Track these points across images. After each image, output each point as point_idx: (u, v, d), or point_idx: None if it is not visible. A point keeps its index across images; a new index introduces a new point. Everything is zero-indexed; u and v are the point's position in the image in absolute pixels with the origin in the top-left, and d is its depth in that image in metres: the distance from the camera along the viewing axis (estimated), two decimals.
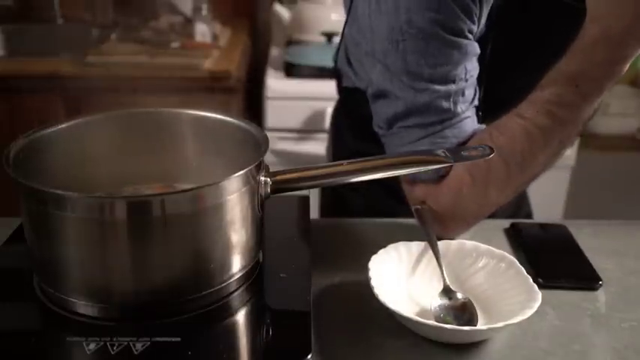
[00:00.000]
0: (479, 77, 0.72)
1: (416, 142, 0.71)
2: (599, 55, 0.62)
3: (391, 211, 0.80)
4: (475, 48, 0.69)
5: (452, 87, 0.68)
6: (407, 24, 0.66)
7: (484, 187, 0.68)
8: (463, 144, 0.70)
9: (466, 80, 0.69)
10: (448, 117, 0.69)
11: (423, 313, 0.61)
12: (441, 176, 0.70)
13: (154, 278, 0.53)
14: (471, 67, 0.70)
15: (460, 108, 0.69)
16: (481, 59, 0.72)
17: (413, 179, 0.73)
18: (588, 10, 0.62)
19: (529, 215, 1.05)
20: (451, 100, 0.68)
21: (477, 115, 0.73)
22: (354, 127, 0.94)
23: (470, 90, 0.70)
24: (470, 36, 0.68)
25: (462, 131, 0.70)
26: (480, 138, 0.69)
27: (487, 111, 0.73)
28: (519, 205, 1.02)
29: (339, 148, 1.01)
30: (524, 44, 0.77)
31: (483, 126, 0.72)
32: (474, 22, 0.68)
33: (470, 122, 0.71)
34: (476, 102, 0.72)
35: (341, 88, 0.96)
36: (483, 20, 0.70)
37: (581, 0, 0.64)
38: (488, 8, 0.69)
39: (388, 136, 0.74)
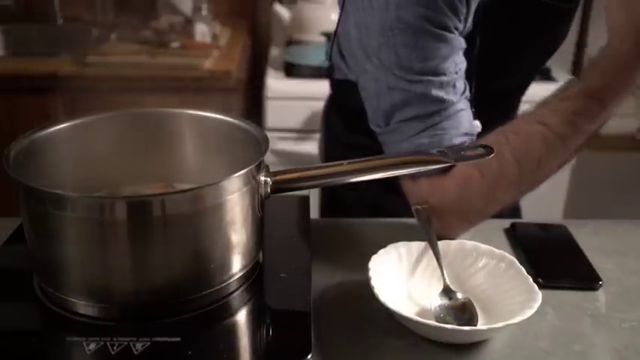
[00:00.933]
0: (469, 73, 0.73)
1: (415, 135, 0.71)
2: (630, 71, 0.64)
3: (390, 210, 0.80)
4: (461, 42, 0.71)
5: (443, 78, 0.70)
6: (397, 20, 0.68)
7: (493, 185, 0.69)
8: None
9: (456, 73, 0.70)
10: (444, 107, 0.70)
11: (423, 313, 0.61)
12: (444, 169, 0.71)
13: (154, 278, 0.53)
14: (459, 61, 0.71)
15: (453, 98, 0.70)
16: (470, 55, 0.73)
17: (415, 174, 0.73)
18: (618, 28, 0.64)
19: (517, 210, 1.05)
20: (444, 90, 0.70)
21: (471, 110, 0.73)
22: (345, 118, 0.95)
23: (460, 82, 0.71)
24: (455, 31, 0.70)
25: (459, 123, 0.71)
26: (495, 140, 0.69)
27: (478, 108, 0.74)
28: None
29: (331, 141, 1.02)
30: (512, 42, 0.79)
31: (477, 122, 0.72)
32: (459, 20, 0.69)
33: (466, 115, 0.72)
34: (467, 94, 0.73)
35: (333, 82, 0.97)
36: (470, 18, 0.71)
37: (566, 1, 0.65)
38: (475, 6, 0.71)
39: (386, 133, 0.74)
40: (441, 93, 0.69)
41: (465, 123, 0.71)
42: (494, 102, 0.69)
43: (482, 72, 0.76)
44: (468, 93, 0.73)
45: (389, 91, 0.71)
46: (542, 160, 0.68)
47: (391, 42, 0.69)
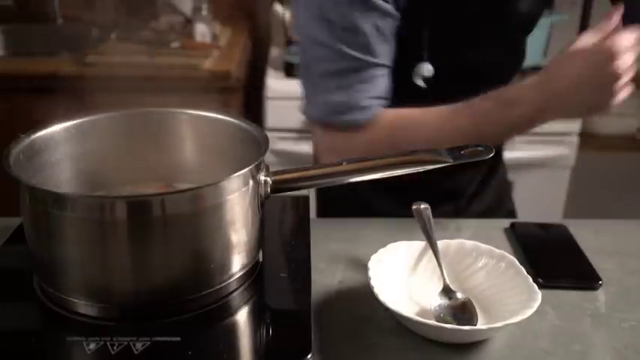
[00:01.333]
0: (419, 49, 0.78)
1: (329, 92, 0.77)
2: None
3: (387, 209, 0.80)
4: (387, 8, 0.75)
5: (360, 38, 0.74)
6: None
7: None
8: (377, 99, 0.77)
9: (377, 37, 0.75)
10: (358, 67, 0.75)
11: (423, 313, 0.61)
12: None
13: (154, 278, 0.53)
14: (384, 27, 0.75)
15: (369, 60, 0.75)
16: (420, 30, 0.78)
17: None
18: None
19: (512, 212, 1.06)
20: (359, 51, 0.75)
21: (424, 89, 0.80)
22: None
23: (380, 48, 0.76)
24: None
25: (374, 86, 0.76)
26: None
27: (441, 86, 0.79)
28: (500, 198, 1.03)
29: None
30: (465, 21, 0.81)
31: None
32: None
33: (382, 80, 0.77)
34: (389, 63, 0.78)
35: None
36: None
37: None
38: None
39: (306, 86, 0.80)
40: (356, 53, 0.75)
41: (380, 87, 0.77)
42: (454, 79, 0.76)
43: (438, 49, 0.79)
44: (390, 63, 0.78)
45: (311, 45, 0.77)
46: (478, 123, 0.75)
47: (316, 6, 0.75)
